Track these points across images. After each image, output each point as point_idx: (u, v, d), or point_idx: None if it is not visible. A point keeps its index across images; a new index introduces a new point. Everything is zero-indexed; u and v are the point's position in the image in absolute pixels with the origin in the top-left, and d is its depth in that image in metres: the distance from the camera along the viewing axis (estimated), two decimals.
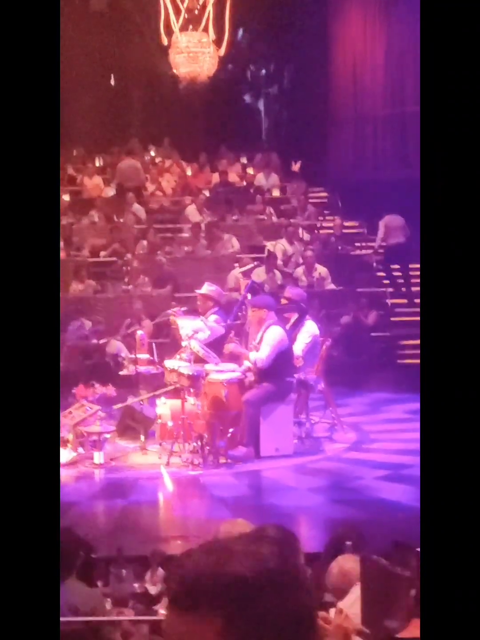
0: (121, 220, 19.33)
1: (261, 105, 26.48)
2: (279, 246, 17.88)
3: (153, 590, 6.54)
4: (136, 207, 19.70)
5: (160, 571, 6.67)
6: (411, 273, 17.01)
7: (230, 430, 10.45)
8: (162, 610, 6.14)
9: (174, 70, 19.07)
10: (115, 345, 14.39)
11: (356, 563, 4.37)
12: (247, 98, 26.53)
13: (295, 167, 21.84)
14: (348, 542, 5.90)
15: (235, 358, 11.08)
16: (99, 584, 6.64)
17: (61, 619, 5.15)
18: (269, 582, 1.68)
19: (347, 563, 4.74)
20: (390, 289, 17.26)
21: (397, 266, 17.41)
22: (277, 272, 16.88)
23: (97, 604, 5.55)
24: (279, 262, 17.56)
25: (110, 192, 20.87)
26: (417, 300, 16.04)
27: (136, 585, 6.64)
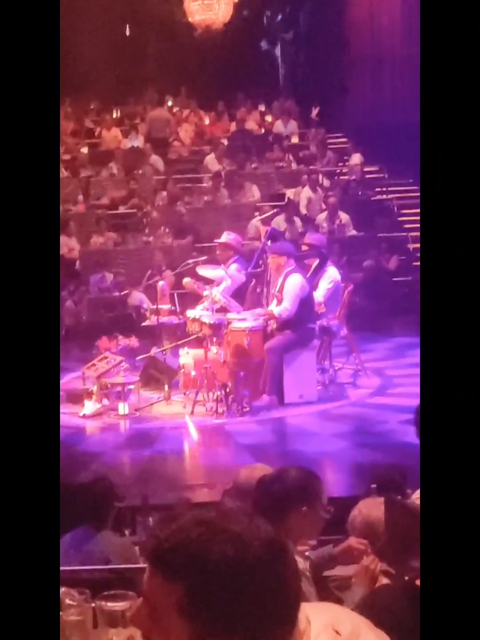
0: (140, 171, 19.26)
1: (278, 51, 26.22)
2: (303, 193, 17.80)
3: None
4: (154, 158, 19.62)
5: None
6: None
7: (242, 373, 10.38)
8: None
9: (189, 18, 18.89)
10: (137, 297, 14.41)
11: (379, 506, 4.35)
12: (263, 44, 26.26)
13: (314, 113, 21.66)
14: (373, 485, 5.91)
15: (255, 305, 11.08)
16: (127, 532, 6.70)
17: (90, 567, 5.22)
18: (249, 571, 1.67)
19: (368, 506, 4.72)
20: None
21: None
22: (297, 220, 16.81)
23: (130, 554, 5.59)
24: (303, 209, 17.50)
25: (129, 144, 20.78)
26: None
27: None
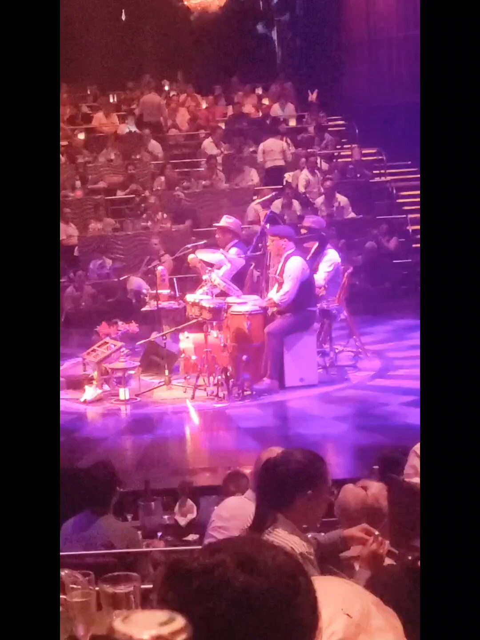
0: (138, 157, 19.21)
1: (274, 34, 26.10)
2: (302, 176, 17.76)
3: (182, 521, 6.59)
4: (152, 144, 19.56)
5: (189, 502, 6.72)
6: None
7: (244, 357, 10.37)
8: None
9: (185, 2, 18.83)
10: (136, 282, 14.38)
11: (380, 488, 4.34)
12: (260, 27, 26.14)
13: (312, 96, 21.59)
14: (375, 467, 5.91)
15: (255, 288, 11.08)
16: (129, 517, 6.72)
17: (93, 552, 5.23)
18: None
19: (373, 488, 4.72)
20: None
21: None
22: (295, 203, 16.78)
23: (132, 538, 5.61)
24: (302, 191, 17.46)
25: (126, 129, 20.72)
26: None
27: (165, 517, 6.70)
